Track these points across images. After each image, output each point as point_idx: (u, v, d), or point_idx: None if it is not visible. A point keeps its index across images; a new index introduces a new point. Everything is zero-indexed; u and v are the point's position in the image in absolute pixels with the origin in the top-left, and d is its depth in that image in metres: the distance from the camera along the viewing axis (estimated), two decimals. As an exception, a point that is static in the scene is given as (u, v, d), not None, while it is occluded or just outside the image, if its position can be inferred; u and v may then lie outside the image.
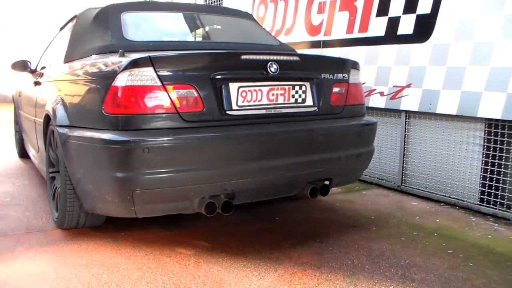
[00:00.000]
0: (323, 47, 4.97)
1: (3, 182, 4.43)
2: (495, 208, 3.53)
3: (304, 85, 2.93)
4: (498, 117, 3.38)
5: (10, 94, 6.93)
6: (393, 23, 4.18)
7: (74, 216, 2.99)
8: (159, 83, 2.49)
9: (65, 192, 2.91)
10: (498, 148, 3.49)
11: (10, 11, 15.18)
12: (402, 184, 4.25)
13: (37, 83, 4.03)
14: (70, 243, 2.91)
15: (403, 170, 4.26)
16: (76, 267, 2.59)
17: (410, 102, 4.04)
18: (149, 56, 2.51)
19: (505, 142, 3.44)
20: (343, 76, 3.14)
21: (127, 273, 2.52)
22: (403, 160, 4.25)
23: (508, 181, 3.45)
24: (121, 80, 2.47)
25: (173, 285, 2.39)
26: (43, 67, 4.24)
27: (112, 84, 2.49)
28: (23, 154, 5.50)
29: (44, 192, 3.97)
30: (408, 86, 4.05)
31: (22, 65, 4.52)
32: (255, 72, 2.75)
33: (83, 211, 2.95)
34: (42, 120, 3.44)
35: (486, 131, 3.57)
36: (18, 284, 2.39)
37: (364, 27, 4.48)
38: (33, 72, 4.44)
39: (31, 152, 4.59)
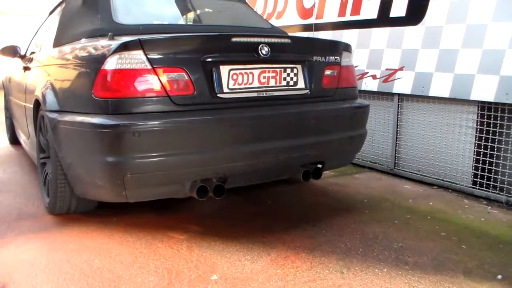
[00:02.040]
0: (315, 30, 4.93)
1: (-6, 169, 4.40)
2: (488, 191, 3.53)
3: (295, 67, 2.90)
4: (491, 99, 3.37)
5: (0, 81, 6.85)
6: (386, 5, 4.14)
7: (66, 202, 2.97)
8: (149, 66, 2.46)
9: (56, 177, 2.89)
10: (491, 131, 3.48)
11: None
12: (395, 167, 4.25)
13: (26, 68, 3.98)
14: (62, 228, 2.90)
15: (396, 153, 4.25)
16: (67, 252, 2.57)
17: (402, 85, 4.03)
18: (139, 39, 2.47)
19: (497, 124, 3.44)
20: (335, 59, 3.12)
21: (119, 258, 2.51)
22: (396, 144, 4.24)
23: (501, 164, 3.45)
24: (111, 64, 2.43)
25: (166, 269, 2.39)
26: (33, 52, 4.19)
27: (102, 68, 2.46)
28: (14, 140, 5.46)
29: (35, 178, 3.94)
30: (401, 69, 4.03)
31: (11, 51, 4.48)
32: (246, 55, 2.71)
33: (74, 196, 2.93)
34: (32, 106, 3.40)
35: (479, 114, 3.57)
36: (9, 270, 2.37)
37: (356, 10, 4.44)
38: (22, 57, 4.39)
39: (22, 138, 4.54)
